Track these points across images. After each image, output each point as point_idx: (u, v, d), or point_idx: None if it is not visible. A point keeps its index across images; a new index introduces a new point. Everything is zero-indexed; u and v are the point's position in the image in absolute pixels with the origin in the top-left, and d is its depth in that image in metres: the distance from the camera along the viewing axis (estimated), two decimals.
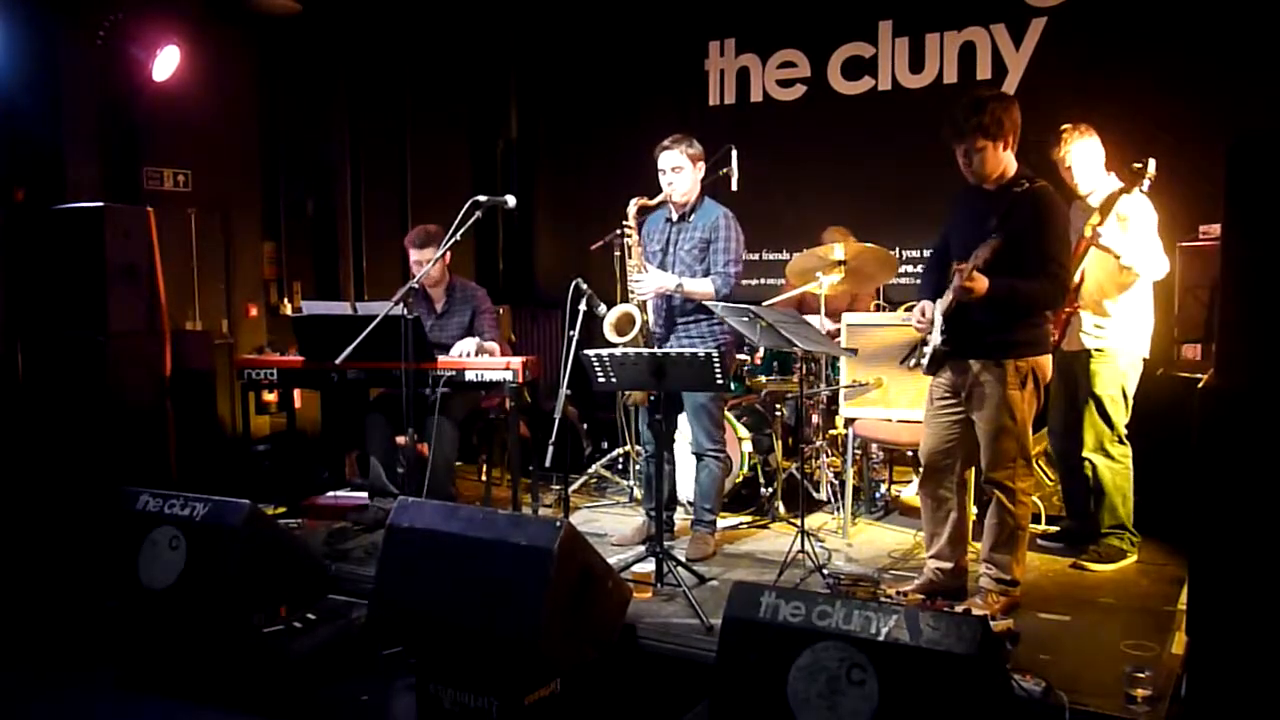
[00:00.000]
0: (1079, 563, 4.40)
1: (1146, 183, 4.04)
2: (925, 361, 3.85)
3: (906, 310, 5.15)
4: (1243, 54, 5.11)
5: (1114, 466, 4.37)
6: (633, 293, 4.54)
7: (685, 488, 5.08)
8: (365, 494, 5.24)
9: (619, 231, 4.61)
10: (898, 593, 3.96)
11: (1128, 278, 4.25)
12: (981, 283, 3.52)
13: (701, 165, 4.60)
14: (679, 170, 4.51)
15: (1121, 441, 4.37)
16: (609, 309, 4.63)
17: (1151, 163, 4.01)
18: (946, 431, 3.88)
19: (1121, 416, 4.35)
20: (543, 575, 3.08)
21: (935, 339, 3.74)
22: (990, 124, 3.57)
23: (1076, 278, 4.28)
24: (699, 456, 4.70)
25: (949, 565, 3.92)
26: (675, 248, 4.63)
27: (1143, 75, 5.43)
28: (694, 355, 3.95)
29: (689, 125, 6.62)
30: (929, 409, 3.96)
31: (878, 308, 5.65)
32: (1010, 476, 3.73)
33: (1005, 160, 3.67)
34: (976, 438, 3.80)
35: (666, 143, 4.53)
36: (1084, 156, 4.28)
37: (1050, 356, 3.80)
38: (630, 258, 4.55)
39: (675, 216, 4.64)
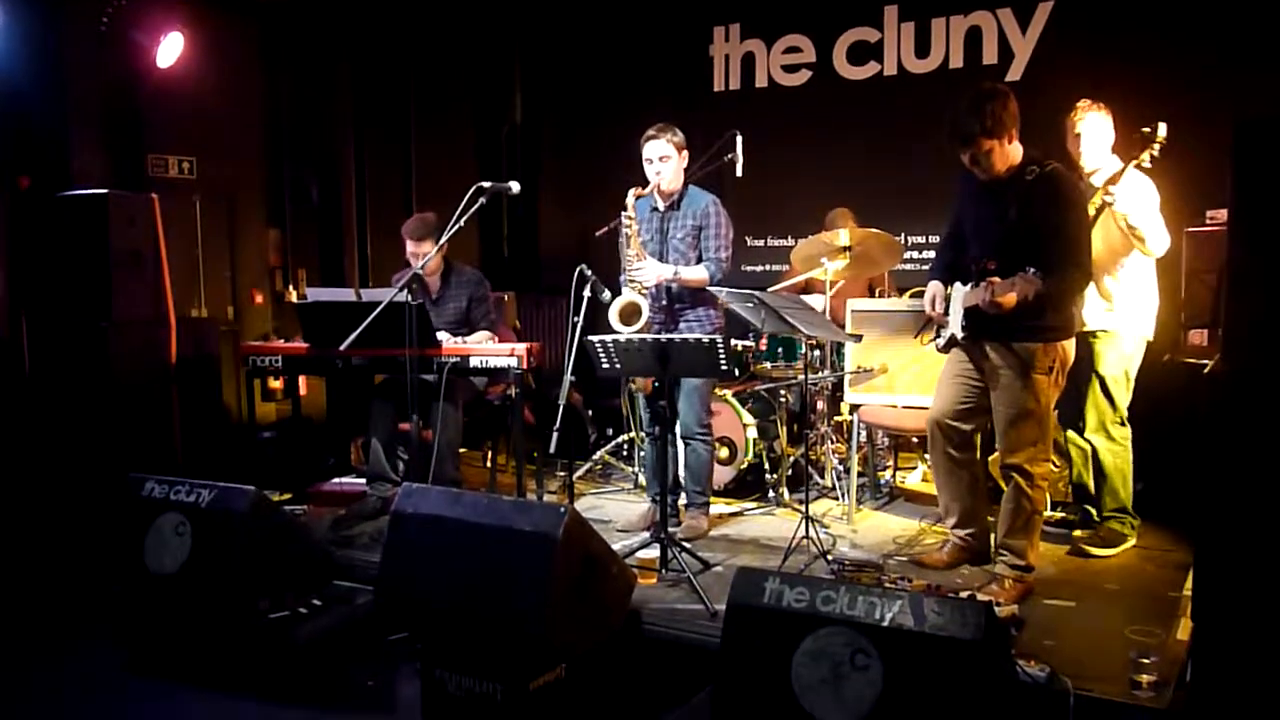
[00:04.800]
0: (1080, 547, 4.40)
1: (1157, 146, 4.01)
2: (943, 344, 3.86)
3: (913, 297, 5.14)
4: (1250, 38, 5.08)
5: (1114, 449, 4.36)
6: (633, 282, 4.55)
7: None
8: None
9: (621, 217, 4.59)
10: (903, 577, 3.96)
11: (1131, 246, 4.21)
12: (1011, 299, 3.50)
13: (686, 153, 4.61)
14: (666, 159, 4.52)
15: (1123, 423, 4.36)
16: (613, 295, 4.63)
17: (1162, 126, 3.96)
18: (963, 392, 3.87)
19: (1124, 398, 4.35)
20: (547, 561, 3.09)
21: (955, 330, 3.74)
22: (992, 124, 3.56)
23: None
24: (687, 439, 4.71)
25: (974, 529, 3.92)
26: (668, 236, 4.64)
27: (1149, 59, 5.40)
28: (698, 341, 3.95)
29: (694, 110, 6.66)
30: (947, 370, 3.94)
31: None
32: (1030, 460, 3.73)
33: (1011, 152, 3.66)
34: (991, 406, 3.80)
35: (652, 132, 4.54)
36: (1095, 131, 4.25)
37: (1074, 341, 3.78)
38: (630, 247, 4.56)
39: (663, 205, 4.64)
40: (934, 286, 3.89)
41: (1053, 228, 3.54)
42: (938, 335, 3.91)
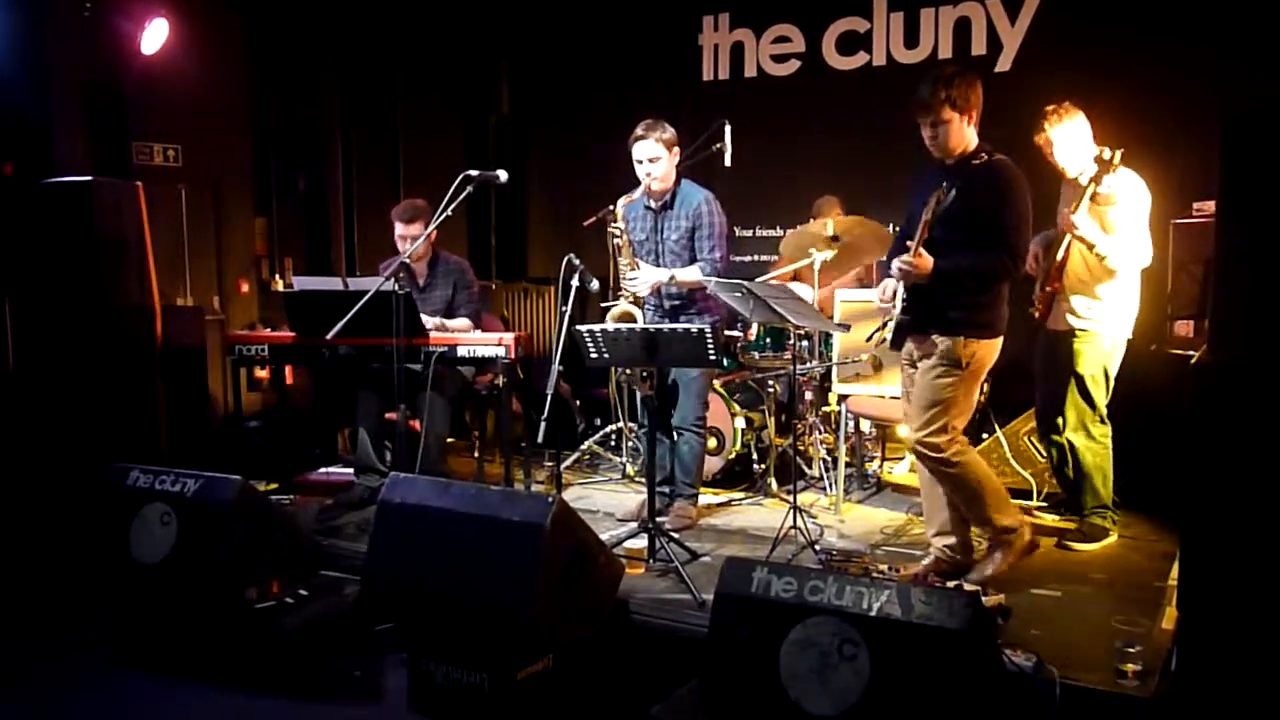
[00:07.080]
0: (1064, 542, 4.42)
1: (1115, 171, 4.02)
2: (890, 336, 3.85)
3: None
4: (1239, 31, 5.08)
5: (1094, 446, 4.38)
6: (627, 291, 4.53)
7: None
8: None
9: (609, 207, 4.56)
10: (890, 567, 3.97)
11: (1106, 268, 4.23)
12: (925, 262, 3.56)
13: (677, 150, 4.53)
14: (656, 160, 4.45)
15: (1102, 421, 4.37)
16: (601, 285, 4.60)
17: (1119, 153, 3.99)
18: None
19: (1102, 396, 4.35)
20: (535, 551, 3.08)
21: (895, 311, 3.75)
22: (958, 97, 3.62)
23: (1060, 255, 4.26)
24: (679, 431, 4.70)
25: (954, 540, 3.90)
26: (662, 236, 4.60)
27: (1138, 50, 5.41)
28: (686, 331, 3.93)
29: (682, 100, 6.66)
30: (904, 388, 3.97)
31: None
32: (935, 445, 3.70)
33: (968, 135, 3.69)
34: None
35: (639, 132, 4.45)
36: (1068, 138, 4.23)
37: (998, 343, 3.76)
38: (622, 256, 4.53)
39: (656, 205, 4.60)
40: (885, 282, 3.90)
41: (987, 211, 3.57)
42: (886, 331, 3.88)
